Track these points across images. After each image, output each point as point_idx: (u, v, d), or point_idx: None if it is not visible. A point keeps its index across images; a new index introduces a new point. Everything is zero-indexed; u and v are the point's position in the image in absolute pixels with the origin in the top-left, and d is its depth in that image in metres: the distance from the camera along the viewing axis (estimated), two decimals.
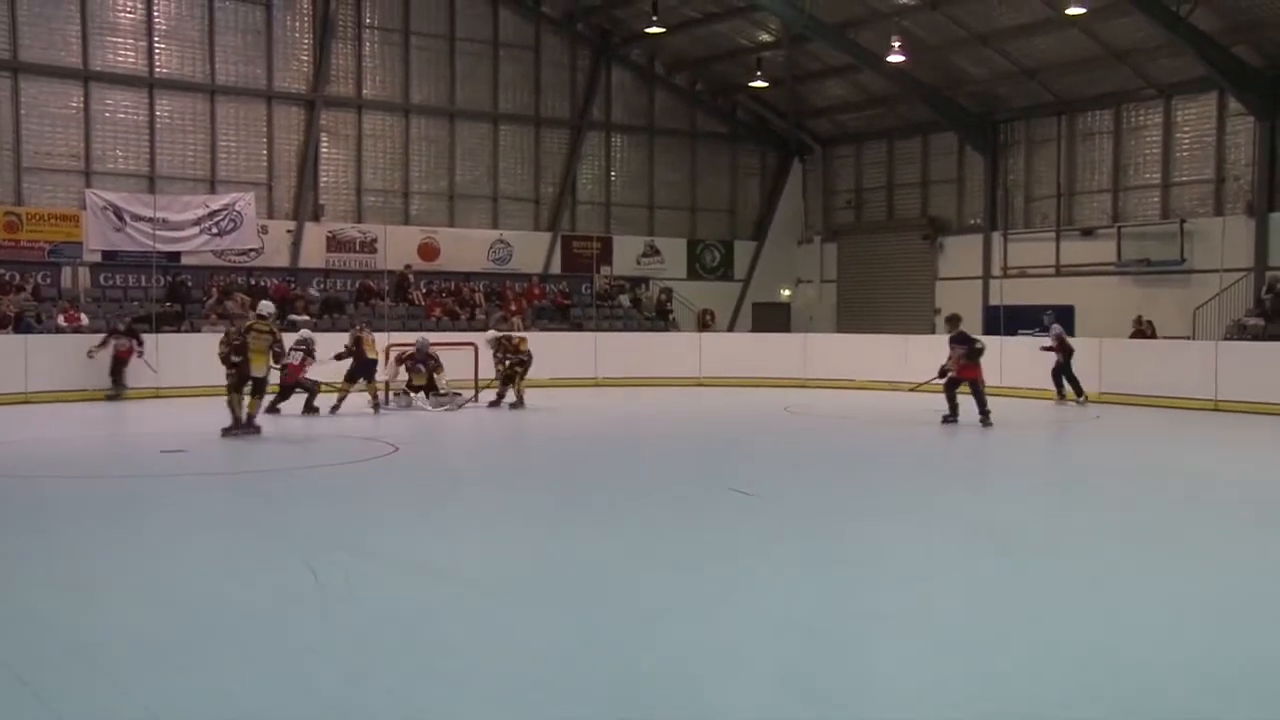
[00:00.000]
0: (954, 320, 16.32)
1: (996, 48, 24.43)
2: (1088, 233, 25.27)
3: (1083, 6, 20.86)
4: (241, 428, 13.67)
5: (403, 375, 18.20)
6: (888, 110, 28.59)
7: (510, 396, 17.84)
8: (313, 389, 16.54)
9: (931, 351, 22.12)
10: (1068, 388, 19.12)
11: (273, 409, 16.00)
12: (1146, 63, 23.40)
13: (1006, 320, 23.16)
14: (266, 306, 15.05)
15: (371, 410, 16.78)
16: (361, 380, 16.96)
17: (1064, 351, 19.26)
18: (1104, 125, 25.32)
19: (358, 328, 17.93)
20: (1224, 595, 6.81)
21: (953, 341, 15.70)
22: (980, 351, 15.55)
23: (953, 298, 27.49)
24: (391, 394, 18.04)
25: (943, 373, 15.76)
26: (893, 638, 5.92)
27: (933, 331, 26.50)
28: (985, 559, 7.72)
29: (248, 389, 13.74)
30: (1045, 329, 20.18)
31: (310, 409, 16.35)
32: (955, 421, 15.57)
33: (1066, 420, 17.57)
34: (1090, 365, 19.95)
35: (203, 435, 13.56)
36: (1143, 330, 21.76)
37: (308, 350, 16.97)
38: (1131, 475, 12.06)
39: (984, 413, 15.37)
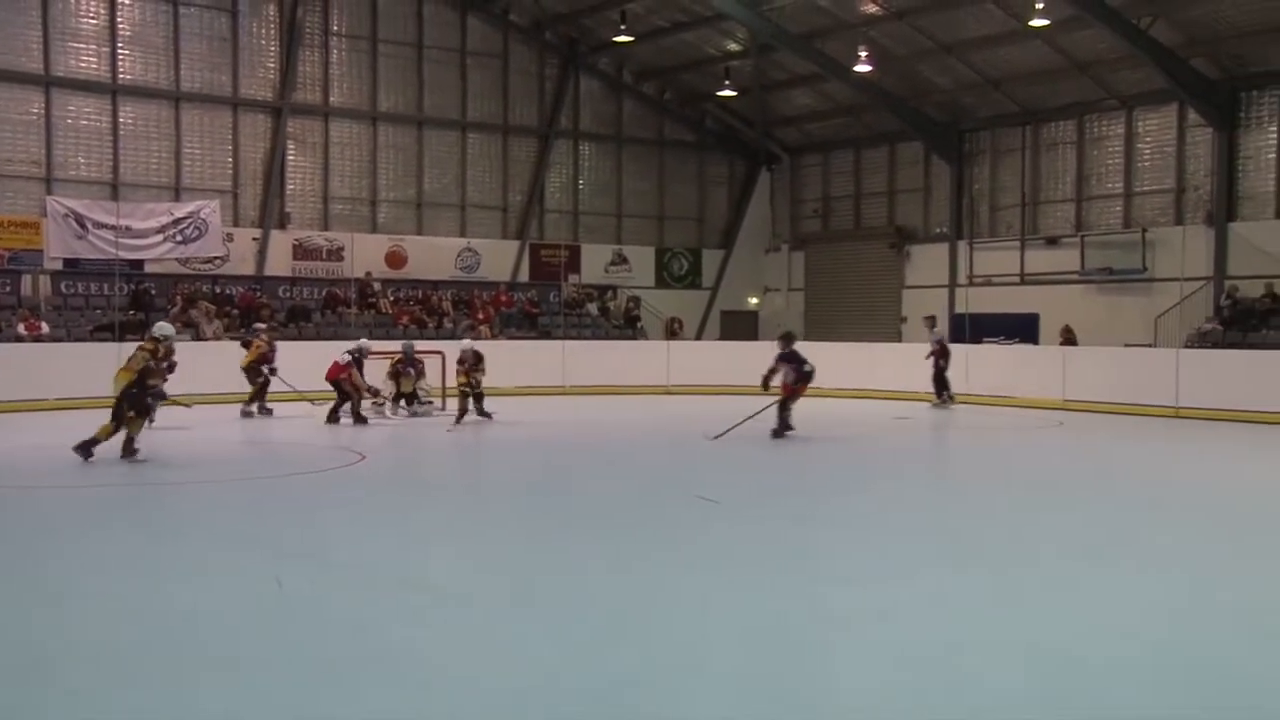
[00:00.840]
0: (787, 338, 15.74)
1: (962, 58, 24.66)
2: (1052, 242, 25.52)
3: (1046, 18, 21.10)
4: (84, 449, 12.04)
5: (389, 387, 18.10)
6: (855, 119, 28.78)
7: (471, 415, 17.28)
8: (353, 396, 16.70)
9: (898, 359, 22.42)
10: (944, 393, 20.14)
11: (333, 418, 16.38)
12: (1108, 74, 23.69)
13: (972, 328, 23.35)
14: (163, 329, 13.44)
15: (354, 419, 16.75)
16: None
17: (944, 356, 20.22)
18: (1067, 135, 25.60)
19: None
20: (1179, 600, 6.90)
21: (780, 359, 15.24)
22: (810, 375, 15.24)
23: (919, 306, 27.68)
24: (373, 405, 17.89)
25: (765, 384, 15.24)
26: (855, 642, 5.95)
27: (900, 339, 26.72)
28: (944, 565, 7.78)
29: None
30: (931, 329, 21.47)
31: (359, 418, 16.52)
32: (784, 437, 15.02)
33: (1021, 426, 17.72)
34: (1053, 373, 20.16)
35: (167, 444, 13.43)
36: (1071, 339, 22.08)
37: (358, 358, 17.09)
38: (1091, 481, 12.18)
39: (785, 428, 15.08)
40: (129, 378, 12.22)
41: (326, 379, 16.88)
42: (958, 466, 13.97)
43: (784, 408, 15.17)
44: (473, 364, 16.97)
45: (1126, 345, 21.99)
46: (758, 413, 14.95)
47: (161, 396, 13.36)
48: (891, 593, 6.94)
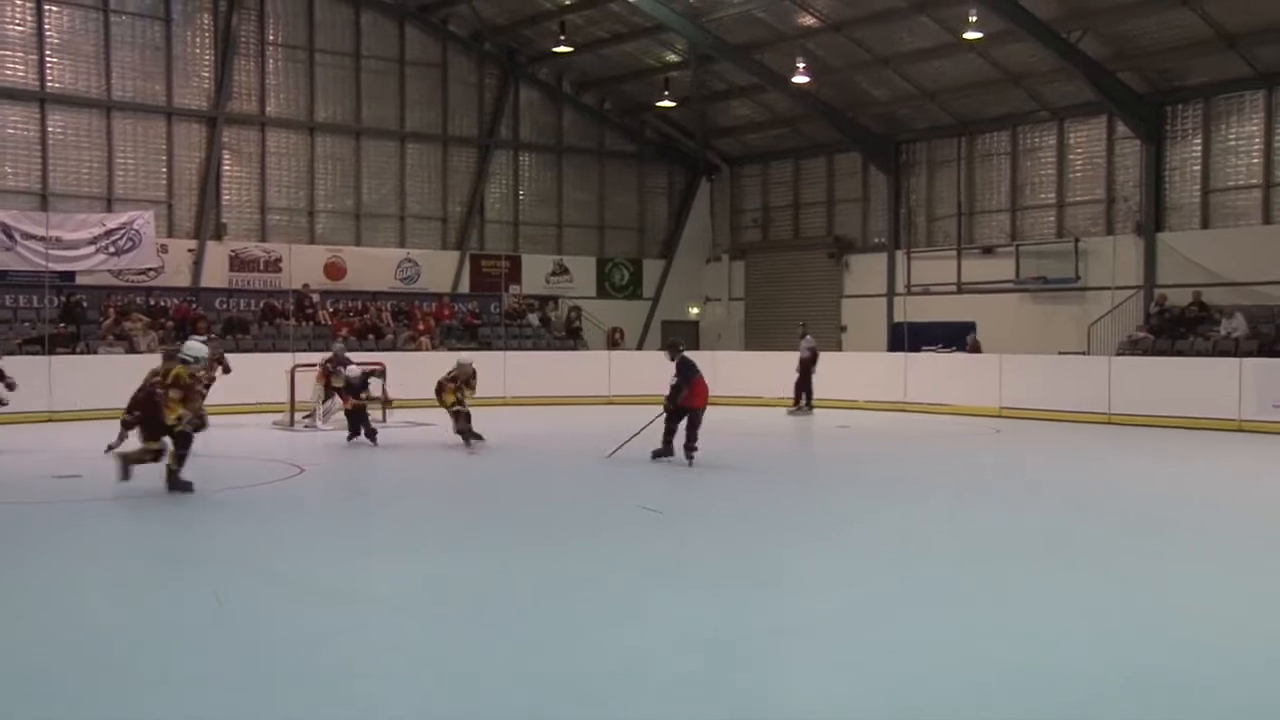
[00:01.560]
0: (673, 347, 13.93)
1: (898, 70, 25.00)
2: (988, 251, 25.93)
3: (979, 31, 21.47)
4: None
5: (317, 391, 17.84)
6: (793, 130, 29.05)
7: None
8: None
9: (839, 367, 22.64)
10: (804, 399, 21.20)
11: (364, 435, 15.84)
12: (1040, 86, 24.15)
13: (911, 337, 23.63)
14: (195, 349, 11.61)
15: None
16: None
17: (813, 363, 21.37)
18: (1002, 146, 26.04)
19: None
20: (1108, 603, 7.04)
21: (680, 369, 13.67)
22: (676, 390, 13.41)
23: (859, 315, 28.00)
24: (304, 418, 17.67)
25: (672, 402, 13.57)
26: (798, 650, 5.99)
27: (840, 348, 26.96)
28: (885, 571, 7.87)
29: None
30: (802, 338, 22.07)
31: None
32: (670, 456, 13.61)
33: (959, 434, 17.98)
34: (990, 381, 20.48)
35: (99, 459, 13.15)
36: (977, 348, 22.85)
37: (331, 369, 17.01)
38: (1024, 487, 12.39)
39: (667, 449, 13.63)
40: (178, 408, 10.71)
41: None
42: (898, 473, 14.11)
43: (672, 423, 13.60)
44: (466, 380, 16.12)
45: (1060, 353, 22.41)
46: (644, 428, 13.86)
47: (202, 426, 11.27)
48: (832, 601, 7.00)
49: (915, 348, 23.25)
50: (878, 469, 14.36)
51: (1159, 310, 22.04)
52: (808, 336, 22.03)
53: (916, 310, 25.32)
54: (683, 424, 13.42)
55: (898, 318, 26.43)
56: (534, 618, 6.55)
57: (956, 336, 23.53)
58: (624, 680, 5.41)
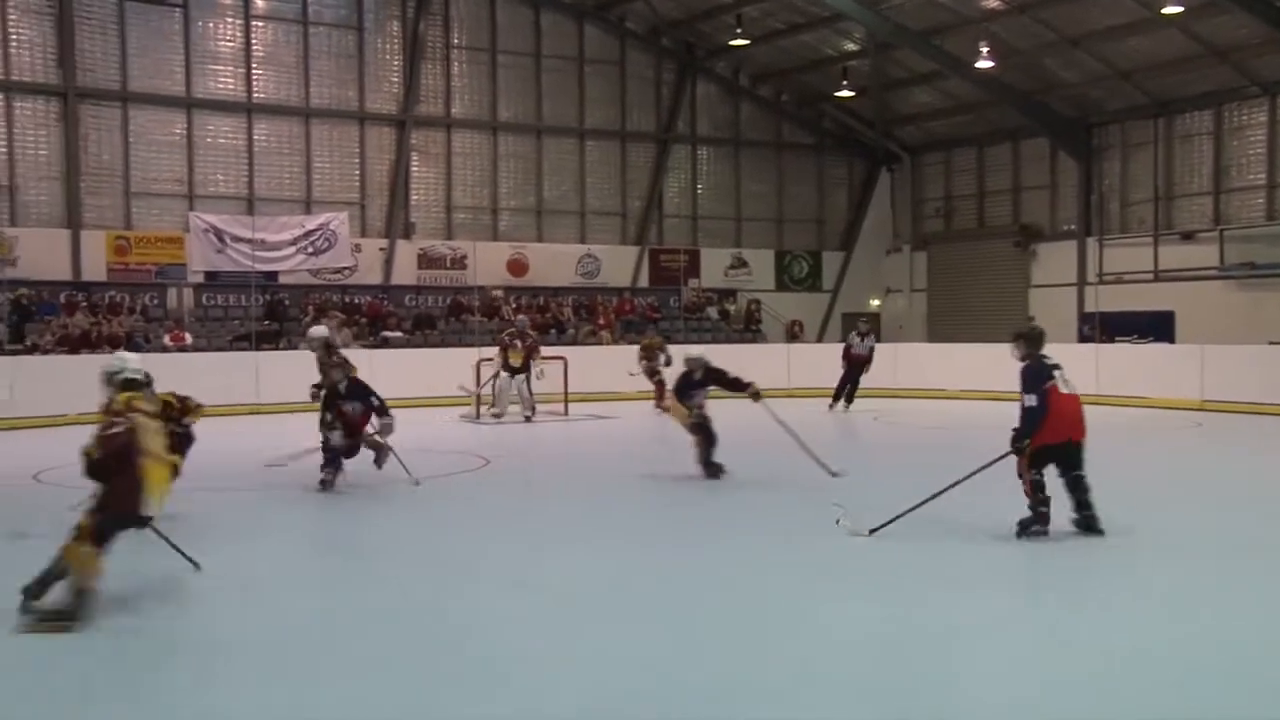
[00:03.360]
0: (1030, 338, 8.68)
1: (1089, 50, 23.95)
2: (1188, 236, 24.60)
3: (1179, 5, 20.36)
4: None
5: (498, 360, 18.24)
6: (977, 116, 28.21)
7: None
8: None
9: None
10: (845, 398, 19.65)
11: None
12: (1249, 60, 22.72)
13: (1103, 327, 22.65)
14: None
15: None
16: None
17: (868, 364, 19.81)
18: (1204, 126, 24.64)
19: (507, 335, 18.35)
20: None
21: (705, 378, 11.81)
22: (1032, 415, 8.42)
23: (1047, 305, 26.96)
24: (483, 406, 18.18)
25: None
26: (980, 651, 5.83)
27: None
28: (1090, 573, 7.56)
29: None
30: (862, 336, 20.37)
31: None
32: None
33: (1157, 428, 17.08)
34: (1190, 372, 19.41)
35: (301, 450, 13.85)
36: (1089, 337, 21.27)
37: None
38: (1238, 485, 11.70)
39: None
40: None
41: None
42: (1105, 466, 13.54)
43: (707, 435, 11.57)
44: (533, 343, 16.92)
45: (1271, 343, 21.05)
46: (925, 501, 13.73)
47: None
48: (1008, 598, 6.79)
49: (1109, 338, 22.27)
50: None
51: None
52: (871, 335, 20.53)
53: (1109, 300, 24.23)
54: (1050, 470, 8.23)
55: (1089, 307, 25.34)
56: (708, 614, 6.58)
57: (1153, 326, 22.44)
58: (801, 679, 5.39)
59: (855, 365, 19.89)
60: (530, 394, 18.05)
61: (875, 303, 31.04)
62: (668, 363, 18.72)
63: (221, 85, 24.26)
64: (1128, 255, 25.72)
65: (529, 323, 19.77)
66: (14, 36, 22.30)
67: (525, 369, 17.90)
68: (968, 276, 29.26)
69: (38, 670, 5.56)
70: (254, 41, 24.45)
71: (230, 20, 24.22)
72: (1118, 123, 26.15)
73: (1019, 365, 8.40)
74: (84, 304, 21.97)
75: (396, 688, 5.27)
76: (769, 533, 9.00)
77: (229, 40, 24.28)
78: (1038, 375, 8.18)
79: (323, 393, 11.38)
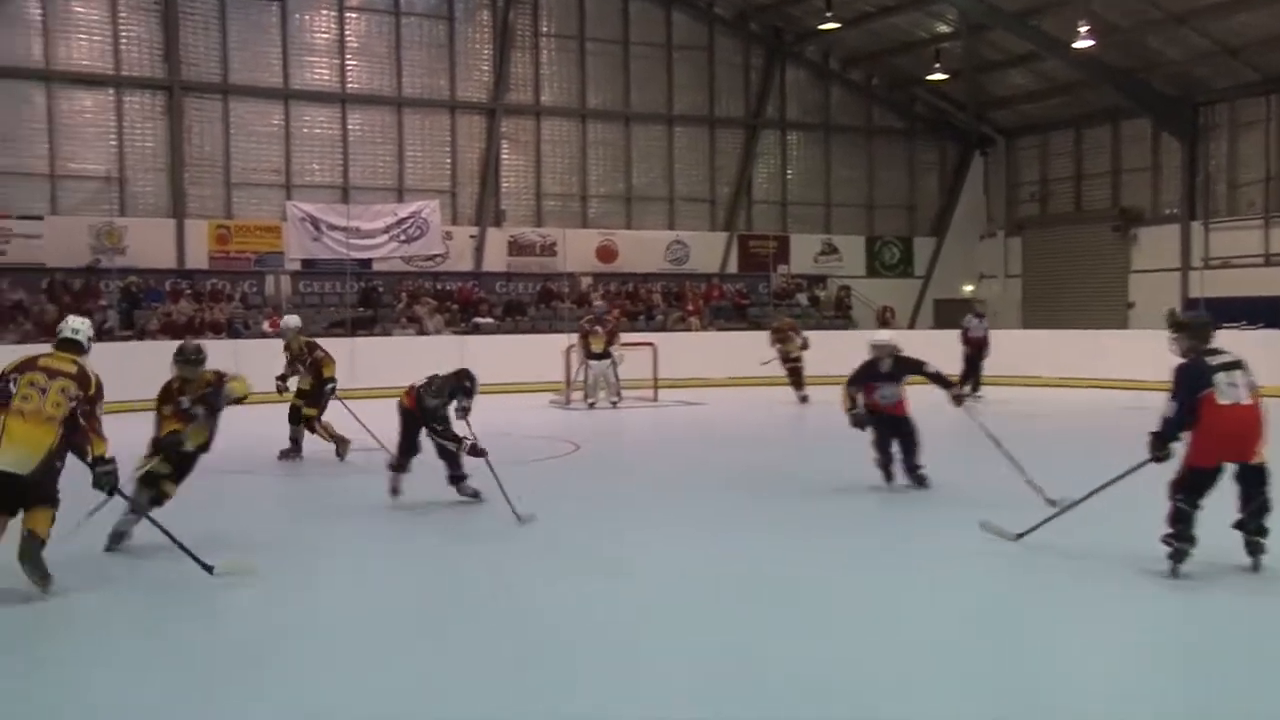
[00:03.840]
0: (1196, 331, 7.38)
1: (1195, 26, 23.16)
2: None
3: None
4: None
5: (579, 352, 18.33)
6: (1075, 98, 27.49)
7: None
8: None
9: (1126, 346, 21.28)
10: (973, 384, 18.50)
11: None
12: None
13: (1207, 313, 21.91)
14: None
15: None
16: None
17: (985, 346, 19.06)
18: None
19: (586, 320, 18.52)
20: None
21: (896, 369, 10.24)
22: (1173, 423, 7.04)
23: (1147, 290, 26.22)
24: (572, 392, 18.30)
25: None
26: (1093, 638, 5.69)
27: (1125, 326, 25.38)
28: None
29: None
30: (979, 317, 19.77)
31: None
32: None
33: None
34: None
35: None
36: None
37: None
38: None
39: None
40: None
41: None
42: None
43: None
44: (613, 328, 17.16)
45: None
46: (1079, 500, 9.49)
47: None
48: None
49: (1215, 324, 21.54)
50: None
51: None
52: (985, 320, 19.85)
53: (1215, 285, 23.46)
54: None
55: (1193, 293, 24.58)
56: (802, 602, 6.54)
57: (1264, 312, 21.64)
58: (910, 668, 5.33)
59: (975, 349, 19.28)
60: (616, 379, 18.10)
61: (968, 288, 30.47)
62: (804, 346, 18.74)
63: (317, 76, 24.72)
64: (1235, 239, 24.88)
65: (608, 308, 19.87)
66: (124, 33, 22.96)
67: (607, 354, 17.98)
68: (1064, 262, 28.57)
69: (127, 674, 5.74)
70: (348, 33, 24.85)
71: (325, 12, 24.65)
72: (1226, 101, 25.26)
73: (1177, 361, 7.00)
74: (188, 291, 22.62)
75: (491, 673, 5.33)
76: (875, 534, 8.69)
77: (324, 32, 24.72)
78: (1192, 380, 6.75)
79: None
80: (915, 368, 10.21)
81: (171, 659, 5.55)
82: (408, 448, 9.44)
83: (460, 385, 9.25)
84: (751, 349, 22.74)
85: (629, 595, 6.59)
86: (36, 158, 22.29)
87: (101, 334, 16.39)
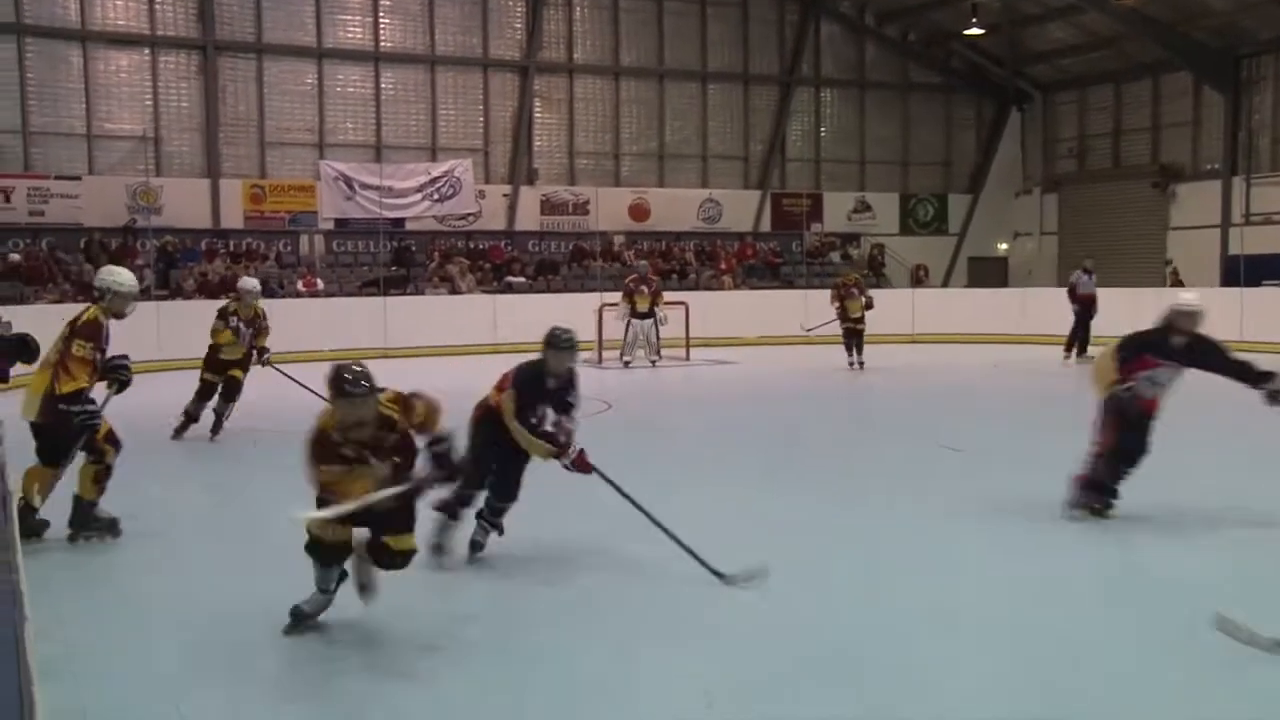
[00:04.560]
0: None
1: None
2: None
3: None
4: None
5: (624, 309, 18.26)
6: (1114, 52, 27.04)
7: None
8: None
9: (1166, 304, 21.03)
10: (1074, 350, 17.90)
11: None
12: None
13: (1248, 270, 21.64)
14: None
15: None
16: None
17: (1095, 303, 17.94)
18: None
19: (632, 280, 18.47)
20: None
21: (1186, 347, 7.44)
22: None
23: (1186, 248, 25.89)
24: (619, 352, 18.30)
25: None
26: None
27: (1164, 284, 25.08)
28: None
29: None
30: (1088, 273, 18.61)
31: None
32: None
33: None
34: None
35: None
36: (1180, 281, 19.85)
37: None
38: None
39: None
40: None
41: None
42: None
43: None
44: (658, 287, 17.03)
45: None
46: None
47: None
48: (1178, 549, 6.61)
49: (1254, 282, 21.29)
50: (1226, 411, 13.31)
51: None
52: (1094, 274, 18.73)
53: (1256, 241, 23.13)
54: None
55: (1233, 250, 24.24)
56: (840, 560, 6.59)
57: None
58: (939, 628, 5.36)
59: (1085, 306, 18.01)
60: (658, 338, 18.21)
61: (1003, 246, 30.23)
62: (869, 305, 17.43)
63: (350, 35, 24.70)
64: (1278, 194, 24.47)
65: (650, 267, 19.86)
66: None
67: (652, 313, 17.99)
68: (1102, 218, 28.21)
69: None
70: None
71: None
72: (1271, 53, 24.75)
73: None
74: (223, 251, 22.81)
75: (538, 625, 5.42)
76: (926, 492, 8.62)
77: None
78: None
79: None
80: (1216, 358, 7.38)
81: None
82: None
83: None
84: (785, 308, 22.77)
85: (665, 553, 6.66)
86: (74, 118, 22.47)
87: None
